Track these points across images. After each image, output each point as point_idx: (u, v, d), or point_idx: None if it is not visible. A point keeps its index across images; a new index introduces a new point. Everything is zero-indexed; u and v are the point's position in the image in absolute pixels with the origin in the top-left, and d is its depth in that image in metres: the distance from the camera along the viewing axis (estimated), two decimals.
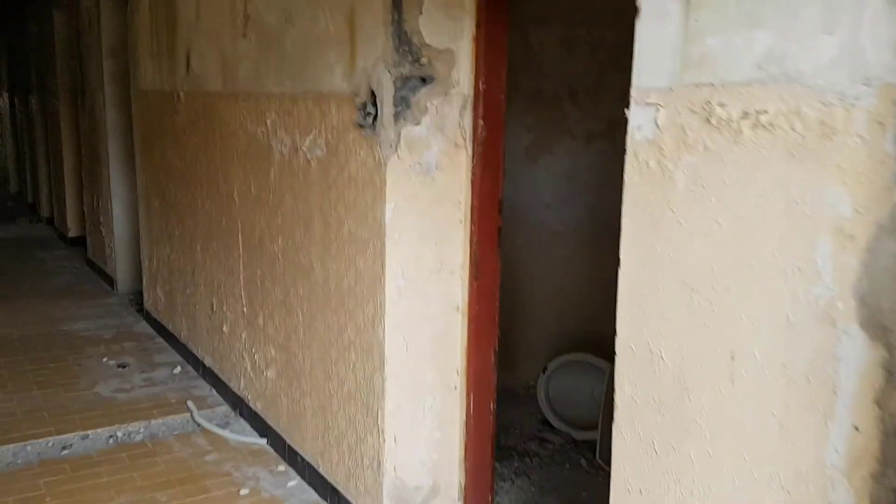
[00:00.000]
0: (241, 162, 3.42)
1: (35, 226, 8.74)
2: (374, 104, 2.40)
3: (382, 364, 2.48)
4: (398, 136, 2.34)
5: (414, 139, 2.37)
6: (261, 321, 3.37)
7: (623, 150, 4.48)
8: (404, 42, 2.33)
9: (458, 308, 2.55)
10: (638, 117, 1.52)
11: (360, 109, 2.46)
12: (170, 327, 4.69)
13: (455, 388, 2.58)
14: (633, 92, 1.53)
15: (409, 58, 2.34)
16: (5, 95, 10.82)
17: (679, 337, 1.47)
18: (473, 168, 2.45)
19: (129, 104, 5.25)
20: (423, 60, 2.36)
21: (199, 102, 3.87)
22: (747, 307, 1.35)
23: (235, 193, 3.51)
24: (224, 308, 3.78)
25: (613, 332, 4.39)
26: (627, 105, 1.55)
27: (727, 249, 1.37)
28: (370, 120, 2.41)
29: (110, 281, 6.07)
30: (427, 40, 2.35)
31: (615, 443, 1.63)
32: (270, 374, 3.32)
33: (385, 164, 2.36)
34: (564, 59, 4.05)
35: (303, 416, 3.05)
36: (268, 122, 3.12)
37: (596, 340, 4.45)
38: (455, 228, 2.50)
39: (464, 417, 2.58)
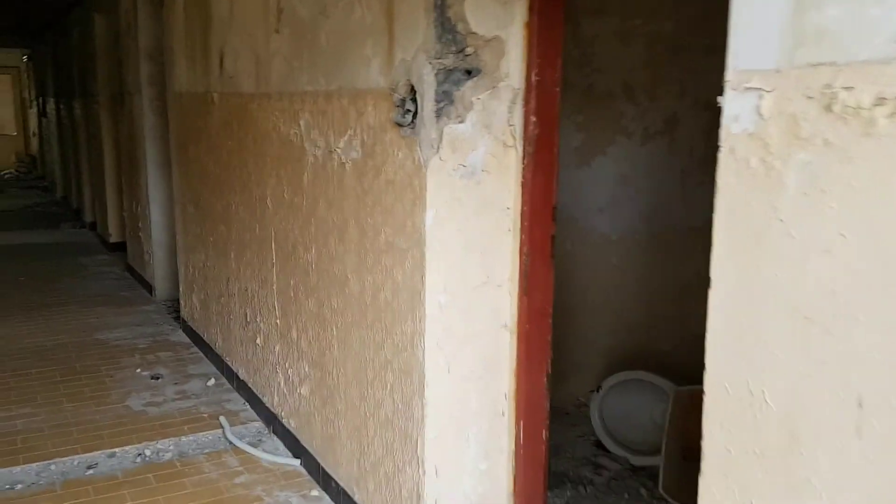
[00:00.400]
0: (273, 166, 3.23)
1: (78, 231, 8.76)
2: (414, 100, 2.16)
3: (422, 387, 2.24)
4: (440, 135, 2.10)
5: (458, 138, 2.13)
6: (294, 334, 3.16)
7: (682, 150, 4.07)
8: (448, 30, 2.09)
9: (506, 326, 2.29)
10: (735, 106, 1.25)
11: (398, 106, 2.22)
12: (205, 337, 4.53)
13: (503, 414, 2.32)
14: (729, 75, 1.26)
15: (453, 48, 2.10)
16: (52, 101, 10.92)
17: (788, 376, 1.19)
18: (524, 170, 2.19)
19: (166, 107, 5.13)
20: (469, 50, 2.12)
21: (233, 104, 3.70)
22: (881, 342, 1.07)
23: (268, 199, 3.31)
24: (258, 319, 3.59)
25: (671, 348, 4.02)
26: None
27: (854, 270, 1.09)
28: (409, 118, 2.17)
29: (149, 287, 5.97)
30: (473, 28, 2.11)
31: (703, 500, 1.35)
32: (304, 390, 3.10)
33: (425, 167, 2.12)
34: (619, 52, 3.76)
35: (337, 439, 2.82)
36: (301, 122, 2.91)
37: (652, 356, 4.15)
38: (503, 238, 2.25)
39: (513, 447, 2.32)
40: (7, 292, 5.93)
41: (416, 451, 2.28)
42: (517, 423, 2.30)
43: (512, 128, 2.19)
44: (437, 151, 2.11)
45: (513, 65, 2.16)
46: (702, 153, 4.09)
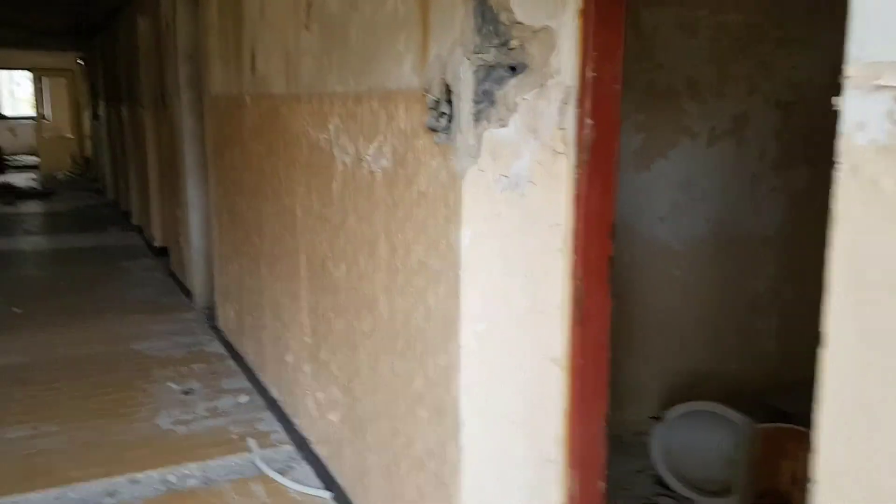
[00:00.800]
0: (303, 173, 2.99)
1: (126, 234, 8.75)
2: (450, 101, 1.88)
3: (457, 429, 1.96)
4: (479, 141, 1.82)
5: (499, 145, 1.84)
6: (323, 356, 2.92)
7: (752, 153, 3.61)
8: (489, 20, 1.80)
9: (555, 360, 1.99)
10: (860, 110, 0.93)
11: (431, 109, 1.95)
12: (239, 349, 4.35)
13: (552, 461, 2.03)
14: (851, 70, 0.94)
15: (495, 40, 1.82)
16: (102, 105, 11.02)
17: None
18: (577, 181, 1.90)
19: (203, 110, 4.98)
20: (513, 43, 1.83)
21: (264, 106, 3.49)
22: None
23: (298, 209, 3.08)
24: (288, 336, 3.37)
25: (738, 368, 3.63)
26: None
27: None
28: (444, 122, 1.90)
29: (189, 294, 5.85)
30: (519, 17, 1.82)
31: None
32: (334, 417, 2.86)
33: (462, 178, 1.84)
34: (682, 45, 3.42)
35: (367, 474, 2.57)
36: (330, 127, 2.67)
37: (718, 377, 3.79)
38: (552, 259, 1.95)
39: (564, 500, 2.02)
40: (48, 298, 5.88)
41: (452, 502, 2.00)
42: (569, 473, 2.00)
43: (563, 132, 1.89)
44: (476, 160, 1.83)
45: (565, 59, 1.86)
46: (774, 156, 3.72)
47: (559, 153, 1.91)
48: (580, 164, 1.89)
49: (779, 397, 3.69)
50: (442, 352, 2.00)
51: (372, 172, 2.34)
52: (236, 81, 3.91)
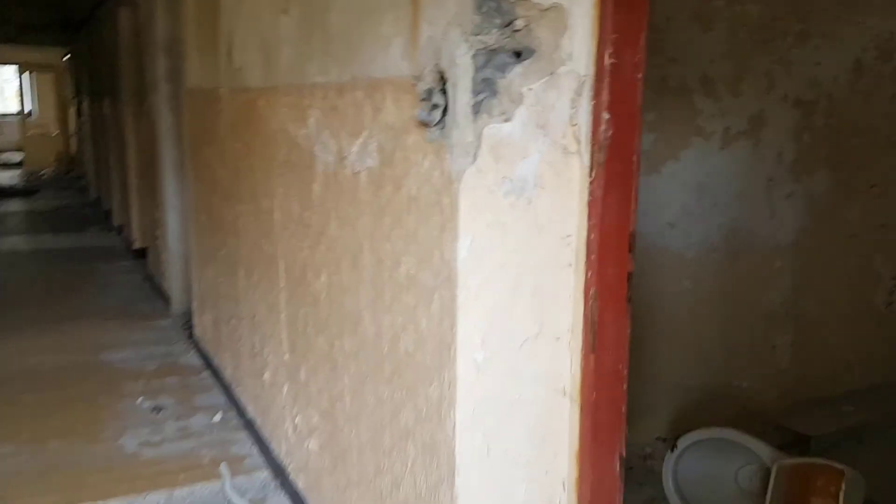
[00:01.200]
0: (281, 173, 2.71)
1: (106, 235, 8.42)
2: (444, 92, 1.61)
3: (452, 473, 1.69)
4: (478, 137, 1.54)
5: (501, 143, 1.57)
6: (303, 376, 2.65)
7: (769, 155, 3.28)
8: None
9: (565, 392, 1.72)
10: None
11: (423, 100, 1.67)
12: (215, 362, 4.06)
13: None
14: None
15: (498, 20, 1.55)
16: (86, 101, 10.69)
17: None
18: (592, 185, 1.63)
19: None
20: (519, 24, 1.56)
21: (240, 100, 3.21)
22: None
23: (276, 212, 2.80)
24: (266, 351, 3.09)
25: (752, 385, 3.34)
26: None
27: None
28: (437, 115, 1.62)
29: (167, 299, 5.55)
30: None
31: None
32: (313, 445, 2.58)
33: (458, 180, 1.56)
34: (697, 38, 3.17)
35: None
36: (310, 122, 2.39)
37: (731, 395, 3.53)
38: (562, 275, 1.68)
39: None
40: (18, 302, 5.57)
41: None
42: None
43: (576, 128, 1.62)
44: (475, 160, 1.56)
45: (578, 43, 1.59)
46: (792, 158, 3.47)
47: (571, 153, 1.64)
48: (595, 166, 1.62)
49: (795, 418, 3.45)
50: (435, 382, 1.72)
51: (356, 173, 2.06)
52: (213, 74, 3.63)
